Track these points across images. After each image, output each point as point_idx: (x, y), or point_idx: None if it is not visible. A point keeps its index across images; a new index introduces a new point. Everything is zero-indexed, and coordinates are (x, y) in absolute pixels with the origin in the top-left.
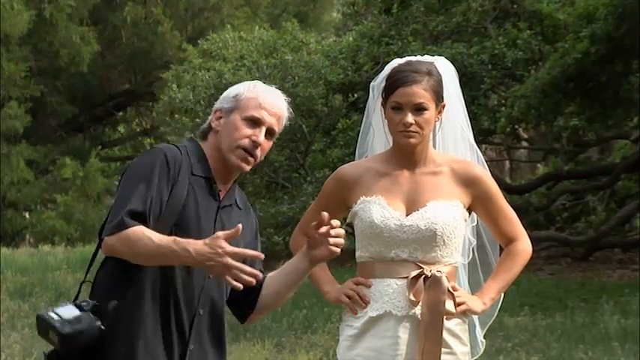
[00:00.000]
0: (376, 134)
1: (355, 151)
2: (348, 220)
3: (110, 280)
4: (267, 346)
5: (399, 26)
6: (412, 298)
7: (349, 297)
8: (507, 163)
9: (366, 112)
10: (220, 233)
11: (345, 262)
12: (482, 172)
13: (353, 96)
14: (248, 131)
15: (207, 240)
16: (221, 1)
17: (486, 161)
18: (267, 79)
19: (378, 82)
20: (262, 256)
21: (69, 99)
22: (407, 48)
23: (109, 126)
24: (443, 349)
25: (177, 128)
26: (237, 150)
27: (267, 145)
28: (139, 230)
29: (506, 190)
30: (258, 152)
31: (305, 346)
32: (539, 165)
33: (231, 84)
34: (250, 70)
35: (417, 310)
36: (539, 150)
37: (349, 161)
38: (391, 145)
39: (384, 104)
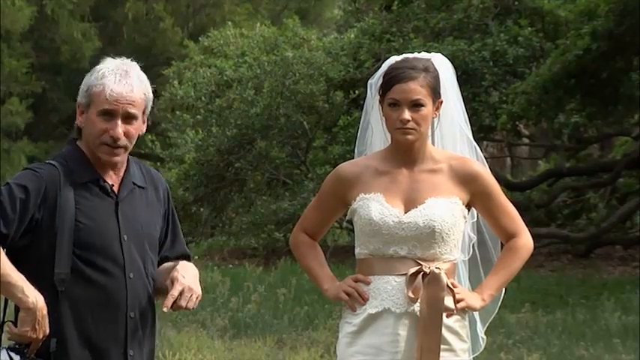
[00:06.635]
0: (375, 132)
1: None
2: (347, 217)
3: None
4: (268, 343)
5: (400, 23)
6: (411, 294)
7: (348, 294)
8: (508, 159)
9: (364, 109)
10: None
11: (345, 258)
12: (481, 169)
13: (354, 93)
14: (104, 126)
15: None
16: None
17: (487, 158)
18: (268, 76)
19: (376, 80)
20: None
21: (70, 95)
22: (408, 45)
23: None
24: (442, 346)
25: (178, 125)
26: (101, 147)
27: (134, 129)
28: None
29: (507, 186)
30: (123, 142)
31: (306, 342)
32: (540, 162)
33: (233, 80)
34: (251, 66)
35: (416, 306)
36: (540, 147)
37: (350, 158)
38: (390, 142)
39: (381, 101)
